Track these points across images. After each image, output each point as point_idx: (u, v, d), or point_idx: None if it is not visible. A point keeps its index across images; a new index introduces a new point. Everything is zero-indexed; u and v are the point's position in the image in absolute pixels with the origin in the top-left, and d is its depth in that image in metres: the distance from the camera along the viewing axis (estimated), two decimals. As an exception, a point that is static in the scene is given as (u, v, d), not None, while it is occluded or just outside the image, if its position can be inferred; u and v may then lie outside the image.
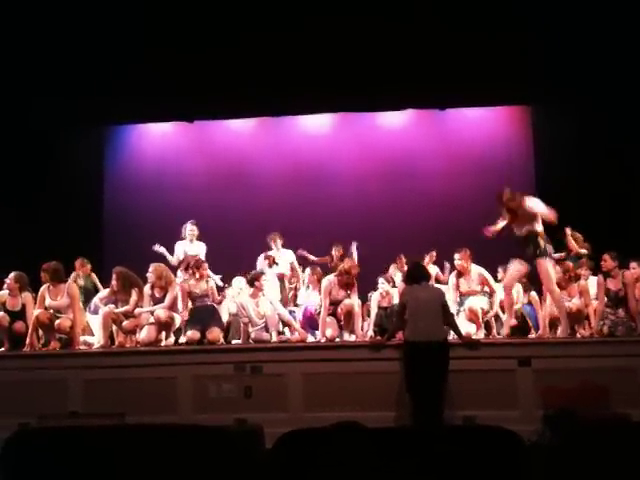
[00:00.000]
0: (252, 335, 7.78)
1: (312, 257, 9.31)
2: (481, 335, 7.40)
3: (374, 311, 8.72)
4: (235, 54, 10.00)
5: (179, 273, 8.62)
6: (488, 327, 7.96)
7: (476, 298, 7.50)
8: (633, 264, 7.54)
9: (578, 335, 7.38)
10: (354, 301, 7.61)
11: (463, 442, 2.20)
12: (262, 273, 8.16)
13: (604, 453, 2.29)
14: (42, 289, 7.51)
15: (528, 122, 11.37)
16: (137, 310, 7.51)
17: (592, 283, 7.70)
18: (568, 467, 2.28)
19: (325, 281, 7.75)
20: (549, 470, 2.28)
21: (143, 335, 7.37)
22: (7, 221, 9.26)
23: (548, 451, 2.38)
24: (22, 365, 6.72)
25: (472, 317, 7.37)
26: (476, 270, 7.64)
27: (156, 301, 7.56)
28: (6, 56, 9.72)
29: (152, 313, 7.47)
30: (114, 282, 7.60)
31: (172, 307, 7.62)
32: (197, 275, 7.80)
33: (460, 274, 7.63)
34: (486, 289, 7.73)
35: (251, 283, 8.04)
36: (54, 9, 9.47)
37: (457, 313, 7.42)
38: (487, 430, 2.27)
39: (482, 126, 11.62)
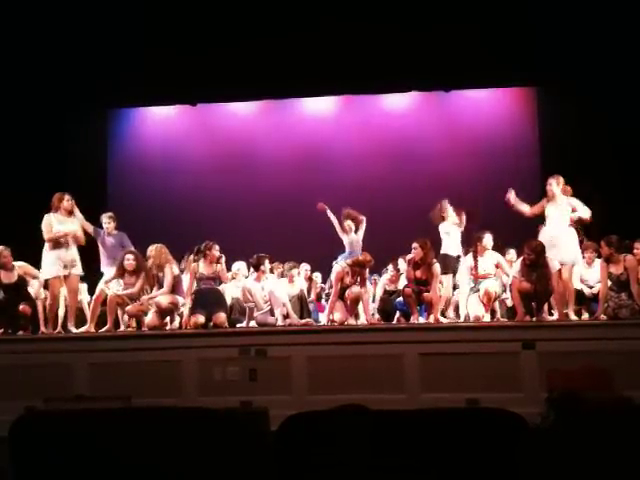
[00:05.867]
0: (257, 319, 7.80)
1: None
2: (487, 318, 7.45)
3: (379, 294, 8.77)
4: (237, 37, 9.95)
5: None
6: (492, 310, 7.98)
7: (491, 281, 7.53)
8: (637, 244, 7.49)
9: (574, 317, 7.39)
10: (363, 289, 7.63)
11: (466, 424, 2.21)
12: (265, 256, 8.13)
13: (607, 435, 2.30)
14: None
15: (533, 104, 11.30)
16: (143, 297, 7.53)
17: (597, 266, 7.68)
18: (571, 449, 2.29)
19: (338, 267, 7.79)
20: (552, 452, 2.29)
21: (148, 320, 7.41)
22: (10, 204, 9.27)
23: (551, 433, 2.38)
24: (28, 348, 6.76)
25: (485, 300, 7.43)
26: (496, 255, 7.68)
27: (160, 283, 7.57)
28: (12, 40, 9.70)
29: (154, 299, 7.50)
30: (132, 263, 7.55)
31: (173, 290, 7.58)
32: (208, 258, 7.68)
33: (477, 257, 7.66)
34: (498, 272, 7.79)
35: (255, 267, 8.05)
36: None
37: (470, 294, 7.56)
38: (490, 412, 2.27)
39: (487, 108, 11.56)
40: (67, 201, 7.43)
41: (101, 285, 7.81)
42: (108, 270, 7.93)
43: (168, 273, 7.51)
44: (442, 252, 8.05)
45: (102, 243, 8.15)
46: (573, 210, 7.28)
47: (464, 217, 8.16)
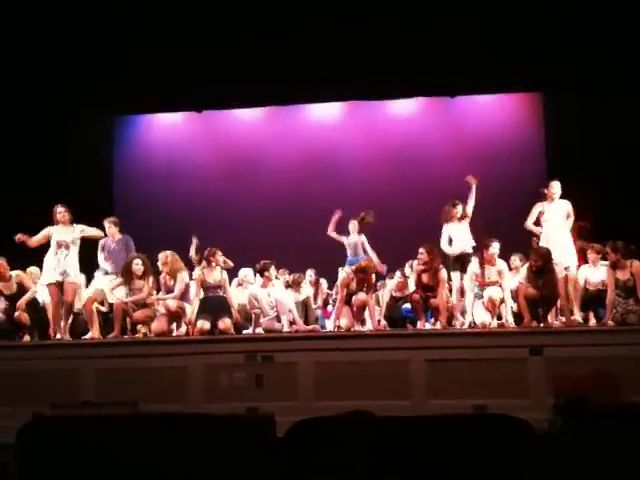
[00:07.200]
0: (263, 325, 7.80)
1: None
2: (494, 324, 7.42)
3: (385, 300, 8.74)
4: (243, 43, 9.99)
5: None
6: (499, 316, 7.96)
7: (495, 288, 7.50)
8: None
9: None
10: (369, 296, 7.62)
11: (472, 431, 2.20)
12: (271, 263, 8.14)
13: (614, 441, 2.28)
14: None
15: (539, 109, 11.29)
16: (152, 297, 7.57)
17: (601, 267, 7.66)
18: (579, 455, 2.28)
19: (343, 273, 7.80)
20: (560, 458, 2.27)
21: (155, 326, 7.42)
22: (16, 209, 9.32)
23: (559, 439, 2.37)
24: (35, 355, 6.77)
25: (490, 306, 7.41)
26: (500, 264, 7.66)
27: (168, 289, 7.63)
28: (18, 48, 9.77)
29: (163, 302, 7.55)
30: (139, 267, 7.60)
31: (182, 296, 7.65)
32: (213, 264, 7.70)
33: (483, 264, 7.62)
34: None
35: (260, 273, 8.05)
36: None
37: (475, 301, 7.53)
38: (495, 418, 2.27)
39: (493, 113, 11.55)
40: (58, 213, 7.50)
41: (89, 292, 7.81)
42: (111, 276, 7.98)
43: (180, 280, 7.59)
44: (456, 252, 7.98)
45: (107, 249, 8.17)
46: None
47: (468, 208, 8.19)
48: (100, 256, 8.28)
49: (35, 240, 7.44)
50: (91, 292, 7.82)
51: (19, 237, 7.33)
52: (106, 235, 8.21)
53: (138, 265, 7.56)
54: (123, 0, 9.68)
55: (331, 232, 8.84)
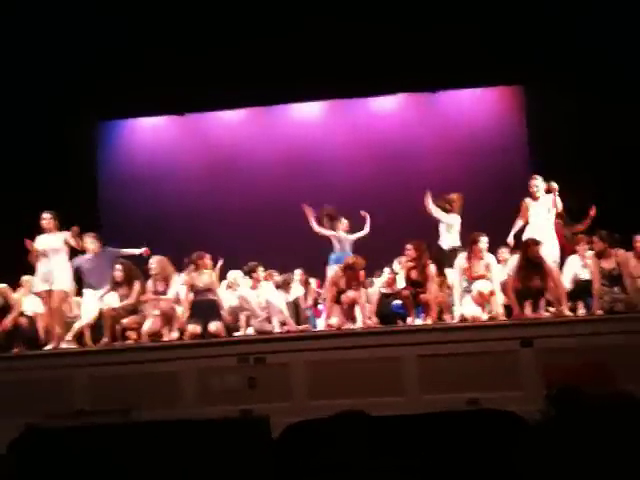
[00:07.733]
0: (254, 327, 7.80)
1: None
2: (484, 317, 7.45)
3: (375, 297, 8.73)
4: (224, 45, 9.99)
5: None
6: (489, 309, 7.98)
7: (484, 282, 7.53)
8: (638, 237, 7.49)
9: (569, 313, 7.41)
10: (359, 293, 7.63)
11: (464, 427, 2.21)
12: (259, 264, 8.15)
13: (606, 429, 2.31)
14: None
15: (521, 102, 11.34)
16: (147, 295, 7.57)
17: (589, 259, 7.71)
18: (571, 444, 2.30)
19: (331, 271, 7.80)
20: (554, 448, 2.29)
21: (147, 327, 7.39)
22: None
23: (552, 429, 2.39)
24: (27, 365, 6.74)
25: (479, 300, 7.44)
26: (488, 257, 7.69)
27: (158, 294, 7.62)
28: (6, 52, 9.74)
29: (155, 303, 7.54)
30: (119, 274, 7.59)
31: (175, 300, 7.66)
32: (200, 268, 7.71)
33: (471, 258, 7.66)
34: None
35: (249, 274, 8.06)
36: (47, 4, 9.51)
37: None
38: (488, 413, 2.28)
39: (475, 107, 11.58)
40: (44, 220, 7.45)
41: (86, 313, 7.69)
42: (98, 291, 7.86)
43: (171, 283, 7.64)
44: (448, 247, 8.06)
45: (85, 267, 7.94)
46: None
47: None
48: (70, 274, 7.64)
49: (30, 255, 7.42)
50: (89, 317, 7.69)
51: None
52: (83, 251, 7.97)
53: (117, 271, 7.58)
54: (107, 7, 9.66)
55: (318, 228, 8.81)
